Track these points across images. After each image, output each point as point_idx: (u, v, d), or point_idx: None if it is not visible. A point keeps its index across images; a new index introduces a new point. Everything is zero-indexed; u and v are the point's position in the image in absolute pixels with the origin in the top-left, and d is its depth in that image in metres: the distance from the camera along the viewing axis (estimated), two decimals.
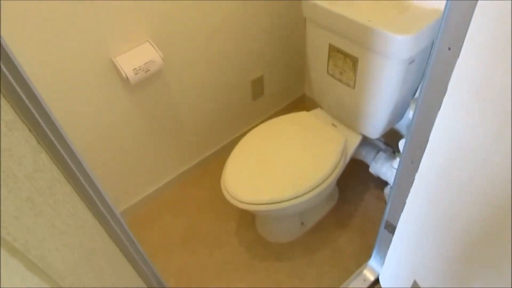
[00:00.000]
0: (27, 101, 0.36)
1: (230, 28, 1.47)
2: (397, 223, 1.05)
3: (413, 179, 0.87)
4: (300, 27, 1.72)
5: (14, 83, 0.36)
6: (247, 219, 1.64)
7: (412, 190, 0.89)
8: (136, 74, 1.22)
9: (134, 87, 1.33)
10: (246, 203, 1.22)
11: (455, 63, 0.63)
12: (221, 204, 1.69)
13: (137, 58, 1.23)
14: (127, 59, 1.22)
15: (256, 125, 1.45)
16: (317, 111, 1.51)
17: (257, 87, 1.77)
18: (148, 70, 1.24)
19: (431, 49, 0.74)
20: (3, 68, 0.35)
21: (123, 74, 1.20)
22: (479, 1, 0.57)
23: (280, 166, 1.29)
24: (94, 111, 1.29)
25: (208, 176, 1.81)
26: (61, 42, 1.09)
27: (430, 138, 0.75)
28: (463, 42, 0.62)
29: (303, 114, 1.47)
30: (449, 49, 0.65)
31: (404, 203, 0.94)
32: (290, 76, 1.89)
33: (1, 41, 0.35)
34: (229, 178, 1.28)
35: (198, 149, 1.77)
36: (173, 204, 1.73)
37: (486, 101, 0.60)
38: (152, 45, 1.26)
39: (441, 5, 1.04)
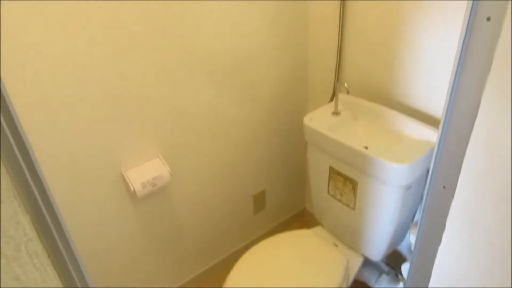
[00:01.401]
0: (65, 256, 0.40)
1: (236, 147, 1.56)
2: None
3: None
4: (303, 147, 1.82)
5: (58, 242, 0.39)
6: None
7: None
8: (143, 188, 1.26)
9: (140, 199, 1.37)
10: None
11: (451, 201, 0.67)
12: None
13: (146, 172, 1.28)
14: (137, 173, 1.27)
15: (256, 239, 1.45)
16: (318, 229, 1.52)
17: (259, 201, 1.80)
18: (156, 185, 1.28)
19: (426, 178, 0.78)
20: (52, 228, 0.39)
21: (131, 187, 1.24)
22: (469, 145, 0.63)
23: None
24: (99, 220, 1.30)
25: None
26: (76, 154, 1.16)
27: (433, 272, 0.75)
28: (457, 181, 0.66)
29: (304, 232, 1.47)
30: (444, 187, 0.69)
31: None
32: (291, 191, 1.94)
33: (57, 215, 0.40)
34: None
35: (195, 263, 1.72)
36: None
37: (479, 239, 0.62)
38: (162, 161, 1.33)
39: (433, 138, 1.14)
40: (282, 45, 1.48)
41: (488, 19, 0.49)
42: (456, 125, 0.62)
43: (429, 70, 1.18)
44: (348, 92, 1.29)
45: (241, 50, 1.37)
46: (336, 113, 1.34)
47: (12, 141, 0.37)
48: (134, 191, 1.24)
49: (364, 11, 1.28)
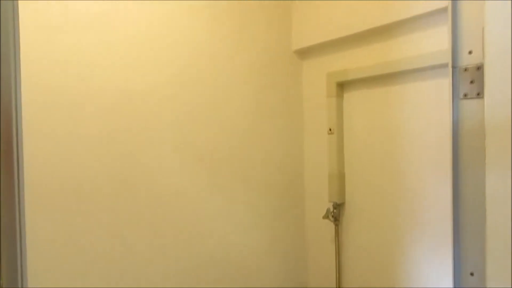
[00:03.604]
0: None
1: None
2: None
3: None
4: None
5: None
6: None
7: None
8: None
9: None
10: None
11: None
12: None
13: None
14: None
15: None
16: None
17: None
18: None
19: None
20: None
21: None
22: None
23: None
24: None
25: None
26: None
27: None
28: None
29: None
30: None
31: None
32: None
33: None
34: None
35: None
36: None
37: None
38: None
39: None
40: (280, 262, 1.55)
41: (472, 274, 0.58)
42: None
43: None
44: None
45: (244, 269, 1.42)
46: None
47: None
48: None
49: (359, 237, 1.40)
